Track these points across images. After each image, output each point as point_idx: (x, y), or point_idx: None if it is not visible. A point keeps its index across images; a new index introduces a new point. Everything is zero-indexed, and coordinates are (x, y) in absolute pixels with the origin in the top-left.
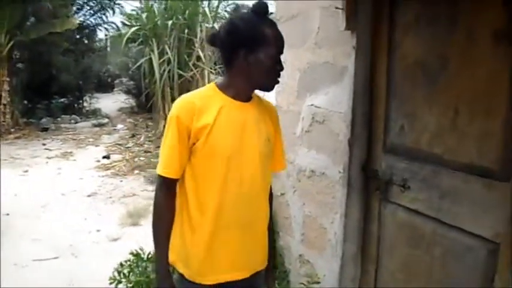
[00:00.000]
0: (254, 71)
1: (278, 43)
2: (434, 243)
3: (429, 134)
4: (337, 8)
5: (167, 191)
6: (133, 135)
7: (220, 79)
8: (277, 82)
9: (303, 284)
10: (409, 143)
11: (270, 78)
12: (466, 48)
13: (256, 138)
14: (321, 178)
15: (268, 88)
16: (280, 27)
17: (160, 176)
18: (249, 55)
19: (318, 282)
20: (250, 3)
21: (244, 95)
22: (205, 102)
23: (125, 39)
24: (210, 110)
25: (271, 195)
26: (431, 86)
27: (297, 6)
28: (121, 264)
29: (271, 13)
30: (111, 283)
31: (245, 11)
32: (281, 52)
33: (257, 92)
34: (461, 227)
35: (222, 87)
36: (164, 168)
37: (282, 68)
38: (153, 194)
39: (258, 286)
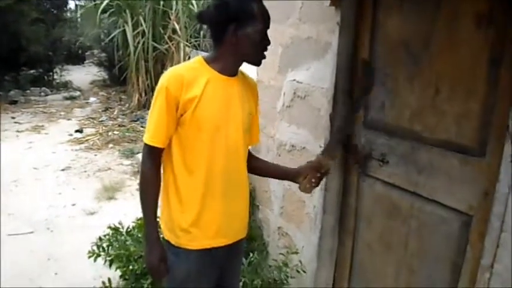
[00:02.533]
0: (242, 45)
1: (265, 19)
2: (411, 215)
3: (409, 112)
4: None
5: (154, 160)
6: (106, 109)
7: (207, 53)
8: (264, 57)
9: (282, 254)
10: (389, 119)
11: (257, 52)
12: (449, 30)
13: (240, 111)
14: (301, 152)
15: (256, 62)
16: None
17: (146, 145)
18: (238, 30)
19: (297, 253)
20: None
21: (230, 70)
22: (193, 75)
23: (100, 9)
24: (198, 83)
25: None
26: (413, 65)
27: None
28: (100, 238)
29: None
30: (89, 257)
31: None
32: (267, 27)
33: (241, 68)
34: (437, 200)
35: (210, 61)
36: (151, 137)
37: (268, 43)
38: (128, 169)
39: (239, 253)
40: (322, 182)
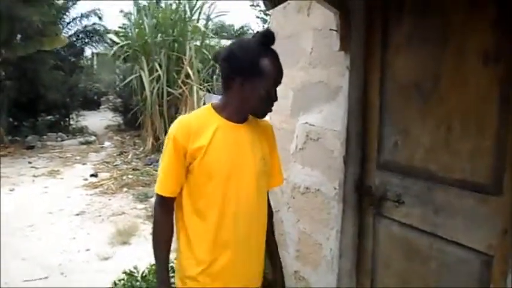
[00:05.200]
0: (248, 98)
1: (276, 76)
2: (429, 256)
3: (422, 151)
4: (331, 29)
5: (164, 208)
6: (121, 153)
7: (216, 101)
8: (270, 111)
9: None
10: (403, 159)
11: (262, 107)
12: (457, 67)
13: (251, 158)
14: (315, 195)
15: (260, 115)
16: (274, 47)
17: (157, 194)
18: (245, 82)
19: None
20: (236, 22)
21: (238, 117)
22: (201, 124)
23: (114, 56)
24: (206, 131)
25: (270, 212)
26: (423, 103)
27: (290, 27)
28: (115, 283)
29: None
30: None
31: (250, 38)
32: (277, 84)
33: None
34: (456, 241)
35: (218, 109)
36: (161, 187)
37: (275, 99)
38: (142, 213)
39: None
40: (338, 224)
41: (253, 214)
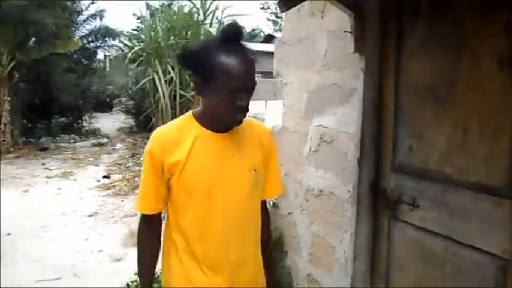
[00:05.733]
0: (211, 101)
1: (238, 76)
2: (444, 260)
3: (437, 154)
4: (345, 31)
5: (147, 226)
6: (133, 155)
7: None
8: (240, 117)
9: None
10: (418, 162)
11: (227, 112)
12: (472, 71)
13: (238, 169)
14: (329, 197)
15: (229, 123)
16: (287, 50)
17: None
18: (205, 84)
19: None
20: (248, 25)
21: (218, 125)
22: (179, 134)
23: (127, 59)
24: (184, 143)
25: (267, 220)
26: (439, 107)
27: (304, 30)
28: (127, 285)
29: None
30: None
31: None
32: (245, 87)
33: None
34: (471, 244)
35: (198, 117)
36: (140, 204)
37: (244, 105)
38: None
39: None
40: (352, 227)
41: (246, 230)
